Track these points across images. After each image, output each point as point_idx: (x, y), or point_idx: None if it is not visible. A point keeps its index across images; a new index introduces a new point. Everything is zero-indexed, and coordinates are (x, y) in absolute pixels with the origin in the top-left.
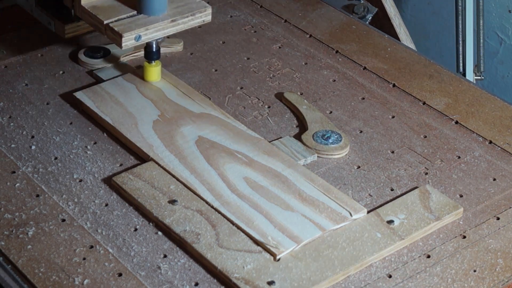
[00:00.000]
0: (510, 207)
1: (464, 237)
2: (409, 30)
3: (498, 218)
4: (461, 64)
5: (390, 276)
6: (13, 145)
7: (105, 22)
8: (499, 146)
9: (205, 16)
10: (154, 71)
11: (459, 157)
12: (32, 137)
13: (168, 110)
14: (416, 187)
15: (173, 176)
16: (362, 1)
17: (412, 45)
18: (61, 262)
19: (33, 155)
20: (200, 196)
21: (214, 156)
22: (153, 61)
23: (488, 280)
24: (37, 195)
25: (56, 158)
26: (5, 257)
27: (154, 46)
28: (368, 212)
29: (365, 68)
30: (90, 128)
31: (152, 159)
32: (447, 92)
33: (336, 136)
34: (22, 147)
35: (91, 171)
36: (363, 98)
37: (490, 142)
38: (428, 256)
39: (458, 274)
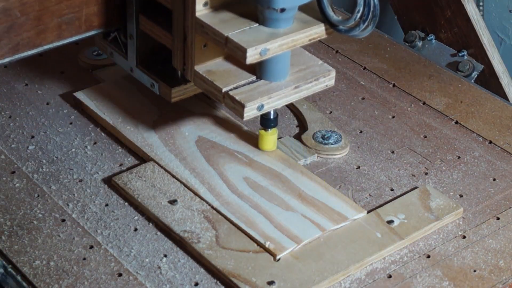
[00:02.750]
0: (510, 207)
1: (464, 237)
2: None
3: (498, 218)
4: None
5: (390, 276)
6: (13, 145)
7: (224, 89)
8: (499, 146)
9: (329, 80)
10: (270, 140)
11: (459, 157)
12: (32, 137)
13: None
14: (416, 187)
15: (173, 176)
16: (466, 58)
17: None
18: (61, 262)
19: (33, 155)
20: (200, 196)
21: (214, 156)
22: (269, 129)
23: (488, 280)
24: (37, 195)
25: (56, 158)
26: (5, 257)
27: (272, 113)
28: (368, 212)
29: (365, 68)
30: (90, 128)
31: (152, 159)
32: (447, 92)
33: (336, 136)
34: (22, 147)
35: (91, 171)
36: (363, 98)
37: (490, 142)
38: (428, 256)
39: (458, 274)
